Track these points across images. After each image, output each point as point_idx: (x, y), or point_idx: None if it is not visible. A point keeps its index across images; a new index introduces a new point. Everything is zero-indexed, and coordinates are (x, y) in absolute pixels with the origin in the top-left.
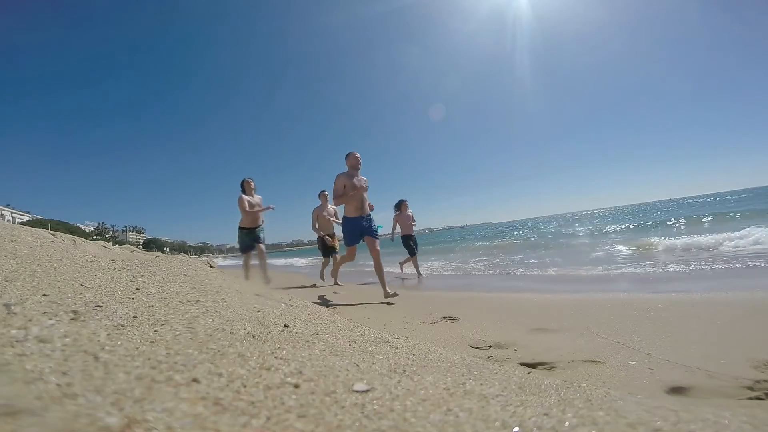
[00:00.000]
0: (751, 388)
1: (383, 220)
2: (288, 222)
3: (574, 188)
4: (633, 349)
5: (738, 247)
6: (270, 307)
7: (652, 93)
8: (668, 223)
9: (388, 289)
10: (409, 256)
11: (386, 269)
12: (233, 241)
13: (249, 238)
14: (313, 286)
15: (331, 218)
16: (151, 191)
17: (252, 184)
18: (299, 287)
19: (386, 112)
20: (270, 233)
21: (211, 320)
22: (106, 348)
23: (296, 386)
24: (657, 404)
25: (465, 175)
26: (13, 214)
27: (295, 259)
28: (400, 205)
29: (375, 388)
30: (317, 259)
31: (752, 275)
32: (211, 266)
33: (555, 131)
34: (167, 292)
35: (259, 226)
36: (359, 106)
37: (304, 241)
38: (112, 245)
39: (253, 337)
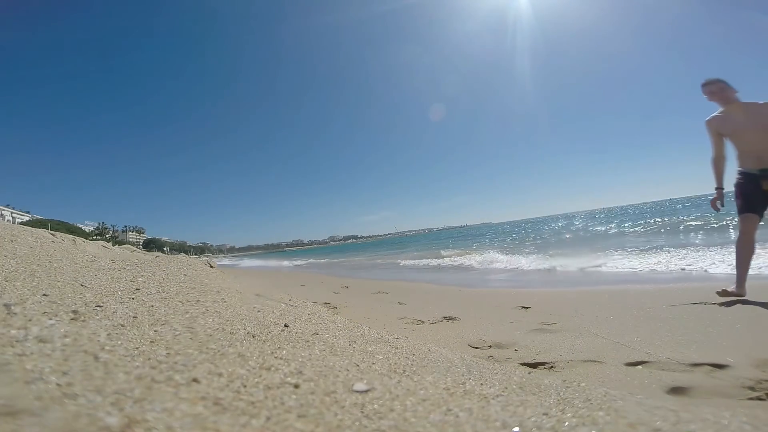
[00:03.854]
0: (752, 389)
1: (382, 221)
2: (288, 221)
3: (575, 188)
4: (633, 349)
5: None
6: (270, 307)
7: (654, 92)
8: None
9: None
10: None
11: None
12: (233, 241)
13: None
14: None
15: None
16: (151, 191)
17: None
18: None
19: (385, 112)
20: (270, 233)
21: (211, 320)
22: (106, 348)
23: (296, 386)
24: (657, 404)
25: (465, 175)
26: (13, 214)
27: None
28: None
29: (375, 388)
30: (310, 260)
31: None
32: (211, 266)
33: (555, 131)
34: (167, 293)
35: None
36: (359, 106)
37: (304, 241)
38: (112, 245)
39: (253, 337)
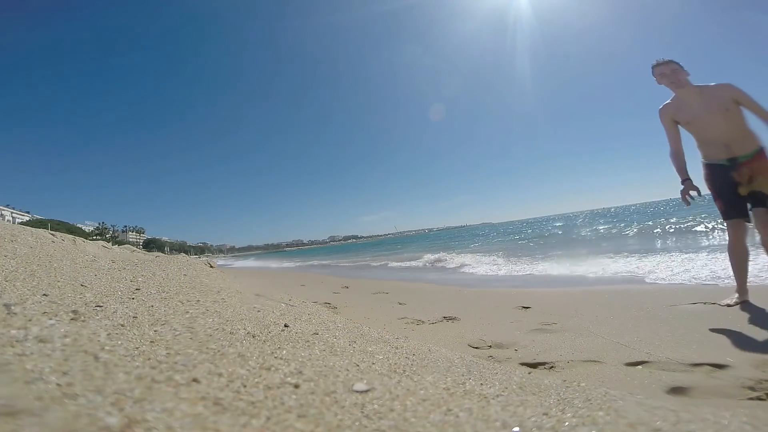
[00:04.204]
0: (752, 389)
1: (382, 221)
2: (288, 221)
3: (576, 189)
4: (633, 349)
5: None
6: (270, 307)
7: (655, 92)
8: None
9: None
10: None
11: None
12: (233, 241)
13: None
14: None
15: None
16: (151, 191)
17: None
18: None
19: (386, 113)
20: (270, 233)
21: (211, 320)
22: (106, 348)
23: (296, 386)
24: (657, 404)
25: (465, 175)
26: (13, 214)
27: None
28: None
29: (375, 388)
30: (298, 264)
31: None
32: (211, 266)
33: (557, 131)
34: (167, 293)
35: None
36: (358, 106)
37: (304, 241)
38: (112, 245)
39: (253, 337)
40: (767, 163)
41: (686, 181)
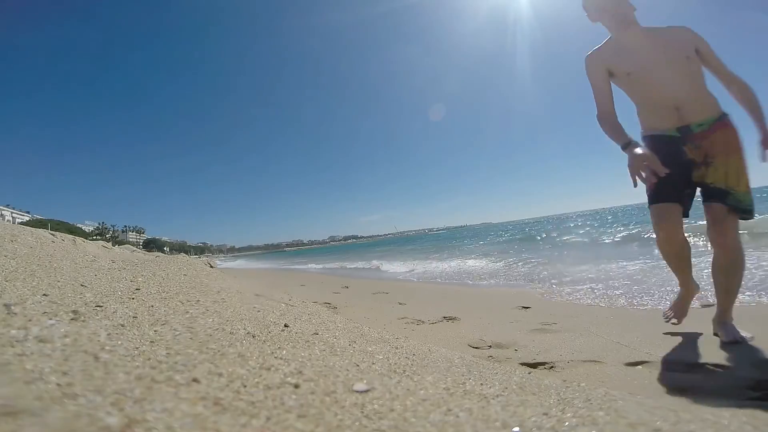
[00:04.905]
0: (752, 389)
1: (383, 220)
2: (288, 221)
3: (576, 189)
4: (633, 349)
5: None
6: (270, 307)
7: None
8: None
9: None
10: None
11: None
12: (233, 241)
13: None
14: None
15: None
16: (151, 191)
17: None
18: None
19: (388, 113)
20: (270, 233)
21: (211, 320)
22: (106, 348)
23: (296, 386)
24: (657, 404)
25: (465, 176)
26: (13, 214)
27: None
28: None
29: (375, 388)
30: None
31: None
32: (211, 266)
33: (556, 131)
34: (167, 293)
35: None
36: (359, 106)
37: (304, 241)
38: (112, 245)
39: (253, 337)
40: (729, 135)
41: (630, 145)
